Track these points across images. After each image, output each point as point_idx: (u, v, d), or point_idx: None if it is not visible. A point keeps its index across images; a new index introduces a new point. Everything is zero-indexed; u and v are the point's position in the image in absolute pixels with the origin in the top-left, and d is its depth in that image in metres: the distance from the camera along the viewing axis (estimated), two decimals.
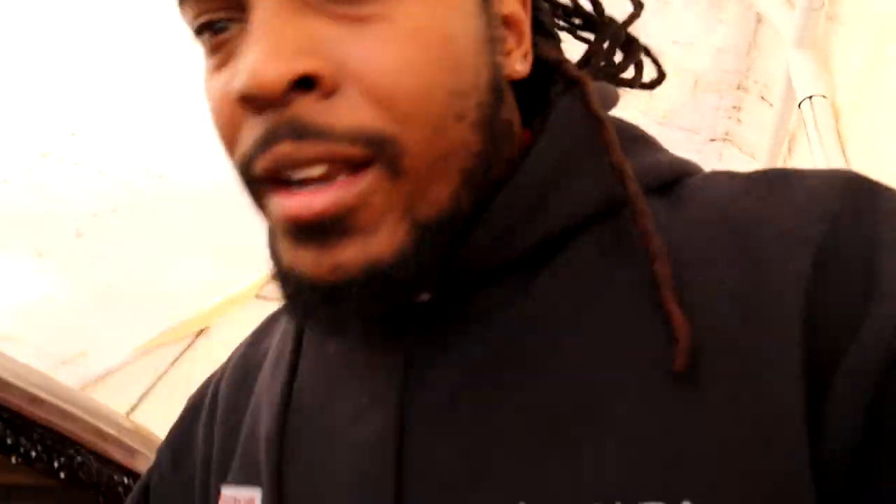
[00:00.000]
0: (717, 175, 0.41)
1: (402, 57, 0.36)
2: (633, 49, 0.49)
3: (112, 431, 1.13)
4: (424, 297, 0.40)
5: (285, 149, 0.35)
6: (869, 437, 0.32)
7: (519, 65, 0.42)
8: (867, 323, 0.32)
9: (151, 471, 0.56)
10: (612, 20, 0.48)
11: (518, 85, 0.43)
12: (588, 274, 0.38)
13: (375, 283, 0.36)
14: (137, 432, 1.19)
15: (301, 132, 0.35)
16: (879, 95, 0.97)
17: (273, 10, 0.35)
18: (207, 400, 0.54)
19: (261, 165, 0.36)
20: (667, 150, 0.44)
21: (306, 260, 0.36)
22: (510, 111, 0.42)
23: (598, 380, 0.35)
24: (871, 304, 0.32)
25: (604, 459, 0.34)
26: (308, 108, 0.35)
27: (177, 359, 2.37)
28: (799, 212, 0.36)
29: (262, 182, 0.37)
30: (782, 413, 0.32)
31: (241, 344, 0.56)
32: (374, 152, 0.35)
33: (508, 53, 0.42)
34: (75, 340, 2.19)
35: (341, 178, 0.35)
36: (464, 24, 0.38)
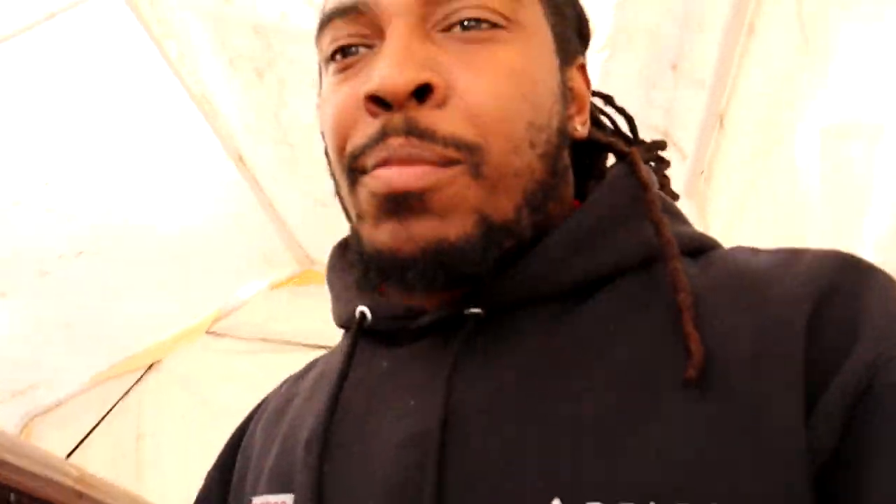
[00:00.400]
0: (740, 248, 0.48)
1: (496, 87, 0.44)
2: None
3: (53, 476, 1.12)
4: (475, 310, 0.46)
5: (398, 142, 0.43)
6: (841, 447, 0.37)
7: (579, 127, 0.51)
8: (849, 359, 0.38)
9: (201, 493, 0.61)
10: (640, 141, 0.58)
11: (574, 157, 0.53)
12: (622, 308, 0.44)
13: (440, 258, 0.42)
14: (81, 478, 1.20)
15: (412, 130, 0.42)
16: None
17: (404, 35, 0.43)
18: (250, 425, 0.60)
19: (373, 156, 0.44)
20: (694, 227, 0.52)
21: (386, 232, 0.43)
22: (567, 161, 0.50)
23: (628, 392, 0.40)
24: (852, 345, 0.38)
25: (636, 462, 0.37)
26: (420, 112, 0.43)
27: (127, 391, 2.42)
28: (801, 275, 0.42)
29: (358, 172, 0.45)
30: (790, 426, 0.37)
31: (286, 379, 0.62)
32: (463, 156, 0.43)
33: (570, 117, 0.51)
34: (28, 374, 2.24)
35: (431, 166, 0.43)
36: (547, 75, 0.47)
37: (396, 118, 0.42)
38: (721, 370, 0.39)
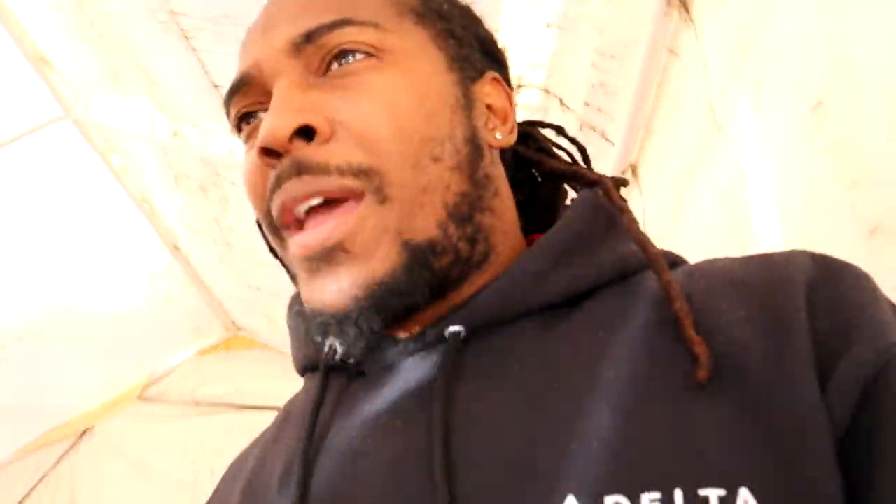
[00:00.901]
0: (711, 259, 0.48)
1: (379, 109, 0.44)
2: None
3: None
4: (457, 328, 0.45)
5: (291, 185, 0.43)
6: (854, 423, 0.36)
7: (499, 136, 0.51)
8: (855, 344, 0.37)
9: None
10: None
11: (532, 199, 0.56)
12: (610, 316, 0.43)
13: (377, 299, 0.42)
14: None
15: (302, 169, 0.43)
16: None
17: (284, 88, 0.45)
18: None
19: (275, 205, 0.45)
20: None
21: (321, 289, 0.43)
22: (494, 171, 0.50)
23: (635, 393, 0.38)
24: (852, 329, 0.38)
25: (655, 454, 0.36)
26: (308, 151, 0.43)
27: (59, 459, 2.51)
28: (786, 267, 0.42)
29: (280, 228, 0.46)
30: (810, 403, 0.36)
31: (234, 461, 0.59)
32: (363, 183, 0.43)
33: (492, 129, 0.51)
34: None
35: (340, 209, 0.43)
36: (438, 89, 0.47)
37: (286, 162, 0.44)
38: (729, 365, 0.38)
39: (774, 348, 0.38)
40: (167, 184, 1.70)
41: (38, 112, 1.53)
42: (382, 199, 0.43)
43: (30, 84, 1.47)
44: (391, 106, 0.45)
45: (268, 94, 0.46)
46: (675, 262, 0.49)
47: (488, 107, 0.52)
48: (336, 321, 0.43)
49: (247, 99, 0.48)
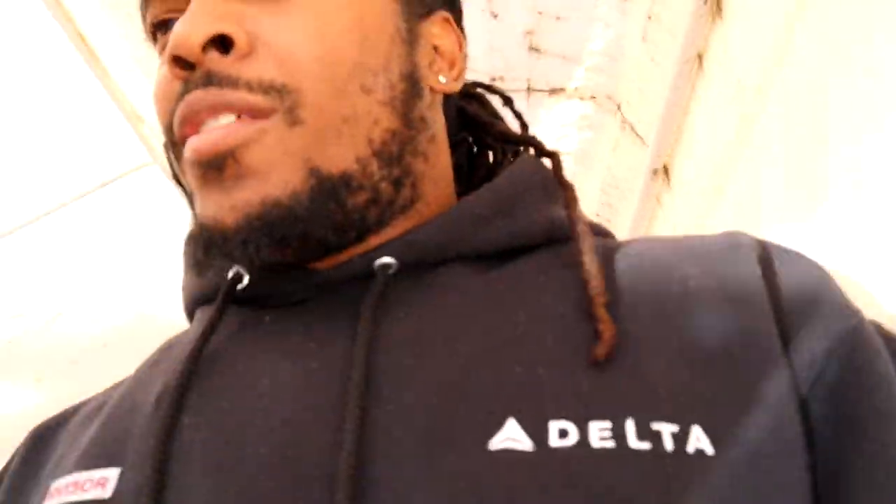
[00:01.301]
0: (642, 238, 0.46)
1: (307, 27, 0.40)
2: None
3: None
4: (388, 260, 0.41)
5: (196, 95, 0.39)
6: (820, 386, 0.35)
7: (444, 79, 0.47)
8: (820, 308, 0.37)
9: None
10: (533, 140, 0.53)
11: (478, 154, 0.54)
12: (531, 274, 0.41)
13: (272, 222, 0.38)
14: None
15: (210, 81, 0.39)
16: None
17: None
18: (57, 427, 0.49)
19: (177, 116, 0.40)
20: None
21: (210, 204, 0.39)
22: (433, 115, 0.47)
23: (578, 335, 0.37)
24: (815, 297, 0.37)
25: (605, 383, 0.34)
26: (222, 64, 0.39)
27: None
28: (732, 238, 0.41)
29: (179, 142, 0.40)
30: (770, 359, 0.35)
31: (86, 401, 0.51)
32: (274, 102, 0.39)
33: (436, 71, 0.47)
34: None
35: (242, 121, 0.39)
36: (377, 16, 0.43)
37: (197, 73, 0.39)
38: (682, 311, 0.38)
39: (732, 302, 0.37)
40: None
41: (127, 159, 1.66)
42: (293, 122, 0.39)
43: (124, 134, 1.61)
44: (320, 25, 0.41)
45: (187, 1, 0.41)
46: (604, 233, 0.48)
47: (435, 48, 0.48)
48: (221, 240, 0.39)
49: (164, 4, 0.43)
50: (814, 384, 0.35)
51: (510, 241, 0.44)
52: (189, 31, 0.39)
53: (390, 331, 0.38)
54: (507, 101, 0.57)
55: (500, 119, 0.55)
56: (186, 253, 0.47)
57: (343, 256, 0.43)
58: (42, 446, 0.47)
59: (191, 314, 0.49)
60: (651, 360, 0.35)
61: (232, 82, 0.39)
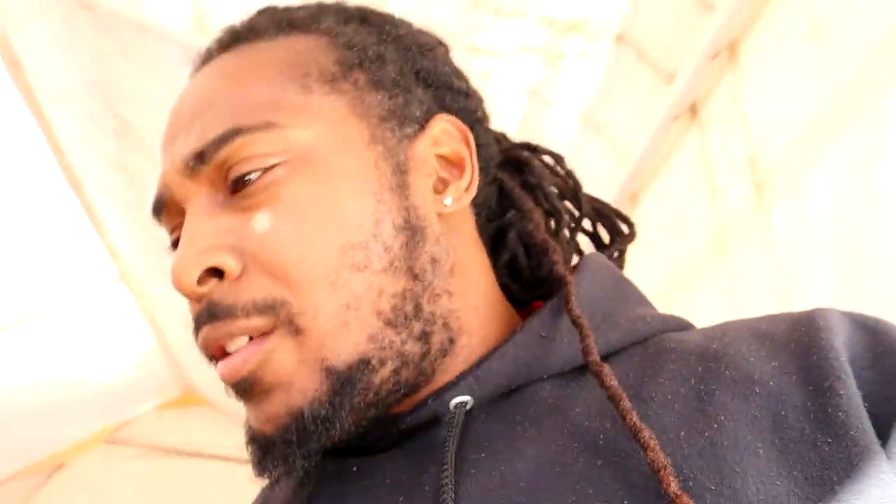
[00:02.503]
0: (728, 321, 0.45)
1: (284, 230, 0.40)
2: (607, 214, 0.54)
3: None
4: (463, 398, 0.42)
5: (206, 333, 0.41)
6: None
7: (450, 202, 0.45)
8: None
9: None
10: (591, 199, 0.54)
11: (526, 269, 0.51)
12: (600, 400, 0.40)
13: (303, 428, 0.40)
14: None
15: (214, 314, 0.41)
16: None
17: (193, 215, 0.42)
18: None
19: (200, 344, 0.43)
20: (652, 308, 0.48)
21: (252, 417, 0.42)
22: (449, 241, 0.45)
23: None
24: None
25: None
26: (220, 292, 0.41)
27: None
28: (817, 320, 0.40)
29: (209, 359, 0.43)
30: (859, 450, 0.34)
31: None
32: (272, 319, 0.40)
33: (440, 193, 0.45)
34: None
35: (255, 342, 0.40)
36: (353, 183, 0.42)
37: (202, 306, 0.41)
38: (766, 414, 0.37)
39: (816, 396, 0.36)
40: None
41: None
42: (295, 332, 0.40)
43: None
44: (297, 225, 0.41)
45: (184, 214, 0.43)
46: (682, 326, 0.47)
47: (440, 157, 0.46)
48: (272, 446, 0.41)
49: (169, 222, 0.46)
50: None
51: (578, 359, 0.43)
52: (182, 273, 0.40)
53: (472, 477, 0.40)
54: (558, 160, 0.54)
55: (543, 186, 0.53)
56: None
57: (418, 396, 0.44)
58: None
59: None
60: (732, 472, 0.35)
61: (232, 313, 0.40)
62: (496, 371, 0.43)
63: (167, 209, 0.45)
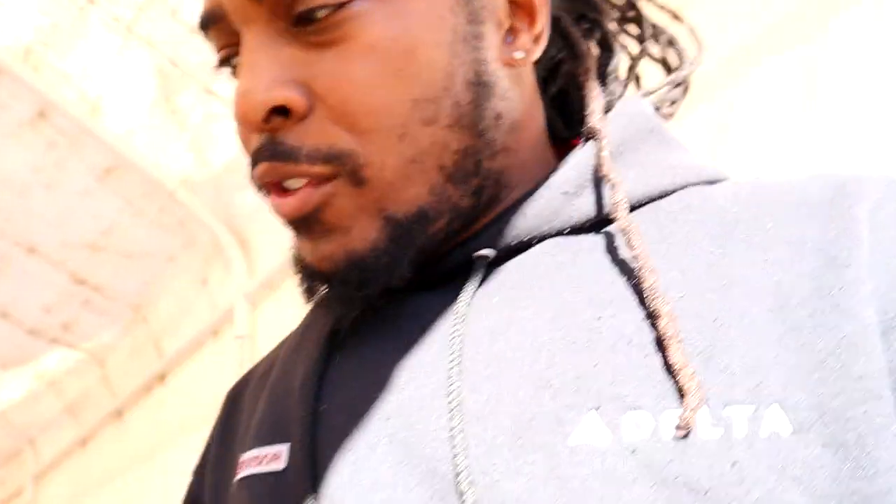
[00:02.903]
0: (766, 178, 0.44)
1: (359, 75, 0.38)
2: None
3: None
4: (486, 252, 0.43)
5: (264, 168, 0.40)
6: None
7: (520, 55, 0.43)
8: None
9: (200, 460, 0.59)
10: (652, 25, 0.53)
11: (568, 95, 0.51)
12: (619, 249, 0.41)
13: (355, 272, 0.40)
14: None
15: (275, 154, 0.39)
16: None
17: (255, 43, 0.39)
18: (230, 406, 0.57)
19: (255, 178, 0.41)
20: (688, 155, 0.47)
21: (305, 249, 0.42)
22: (514, 93, 0.44)
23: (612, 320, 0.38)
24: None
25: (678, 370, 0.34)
26: (285, 131, 0.39)
27: None
28: (851, 186, 0.39)
29: (261, 189, 0.42)
30: (858, 326, 0.33)
31: (268, 354, 0.59)
32: (335, 168, 0.39)
33: (511, 43, 0.43)
34: None
35: (308, 186, 0.39)
36: (430, 31, 0.40)
37: (262, 141, 0.40)
38: (770, 288, 0.36)
39: (824, 270, 0.36)
40: None
41: None
42: (357, 182, 0.39)
43: None
44: (372, 71, 0.39)
45: (238, 36, 0.41)
46: (714, 178, 0.46)
47: (512, 3, 0.44)
48: (322, 278, 0.42)
49: (219, 40, 0.43)
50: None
51: (598, 214, 0.43)
52: (249, 106, 0.39)
53: (486, 321, 0.41)
54: (643, 38, 0.53)
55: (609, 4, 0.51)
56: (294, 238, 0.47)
57: (447, 246, 0.44)
58: (234, 410, 0.56)
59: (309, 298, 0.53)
60: (724, 337, 0.35)
61: (295, 157, 0.39)
62: (516, 225, 0.43)
63: (218, 26, 0.42)
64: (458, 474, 0.36)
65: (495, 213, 0.45)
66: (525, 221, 0.43)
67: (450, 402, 0.38)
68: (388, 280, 0.41)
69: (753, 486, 0.32)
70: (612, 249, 0.42)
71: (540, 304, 0.40)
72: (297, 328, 0.53)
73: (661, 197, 0.44)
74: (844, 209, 0.38)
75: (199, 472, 0.58)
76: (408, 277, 0.42)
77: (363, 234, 0.40)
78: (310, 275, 0.43)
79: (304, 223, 0.40)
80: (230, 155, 1.88)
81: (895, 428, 0.32)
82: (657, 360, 0.36)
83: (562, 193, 0.43)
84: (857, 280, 0.35)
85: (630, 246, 0.39)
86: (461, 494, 0.36)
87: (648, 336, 0.37)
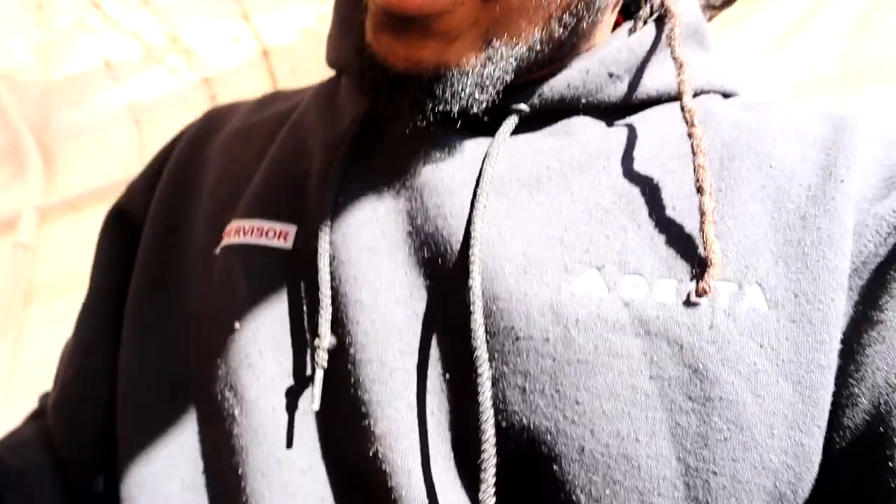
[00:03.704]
0: (780, 101, 0.47)
1: None
2: None
3: None
4: (523, 107, 0.44)
5: None
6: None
7: None
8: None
9: (122, 200, 0.56)
10: None
11: None
12: (648, 132, 0.44)
13: (436, 83, 0.39)
14: None
15: None
16: None
17: None
18: (181, 148, 0.54)
19: None
20: (717, 62, 0.49)
21: (389, 45, 0.40)
22: None
23: (649, 189, 0.40)
24: None
25: (684, 246, 0.38)
26: None
27: None
28: (852, 124, 0.43)
29: None
30: (840, 229, 0.37)
31: (230, 106, 0.57)
32: None
33: None
34: None
35: None
36: None
37: None
38: (773, 186, 0.40)
39: (821, 183, 0.39)
40: None
41: None
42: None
43: None
44: None
45: None
46: (733, 92, 0.48)
47: None
48: (384, 72, 0.40)
49: None
50: (862, 264, 0.38)
51: (633, 98, 0.45)
52: None
53: (512, 171, 0.42)
54: None
55: None
56: (344, 14, 0.49)
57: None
58: (196, 157, 0.53)
59: (332, 66, 0.52)
60: (724, 226, 0.39)
61: None
62: (555, 90, 0.44)
63: None
64: (470, 289, 0.37)
65: (549, 70, 0.45)
66: (563, 91, 0.44)
67: (472, 228, 0.39)
68: (460, 101, 0.40)
69: (725, 345, 0.36)
70: (646, 132, 0.44)
71: (564, 172, 0.42)
72: (305, 107, 0.51)
73: (696, 95, 0.46)
74: (845, 138, 0.41)
75: (136, 194, 0.54)
76: (480, 106, 0.41)
77: (463, 51, 0.40)
78: (380, 70, 0.41)
79: (409, 21, 0.39)
80: (77, 70, 1.85)
81: (848, 315, 0.37)
82: (664, 238, 0.39)
83: (608, 75, 0.45)
84: (847, 194, 0.38)
85: (691, 124, 0.41)
86: (469, 306, 0.37)
87: (665, 212, 0.39)
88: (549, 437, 0.36)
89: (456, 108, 0.41)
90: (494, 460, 0.35)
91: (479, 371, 0.36)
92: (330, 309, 0.40)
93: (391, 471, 0.36)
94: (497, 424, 0.37)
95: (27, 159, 1.88)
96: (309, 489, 0.38)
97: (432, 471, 0.37)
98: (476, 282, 0.37)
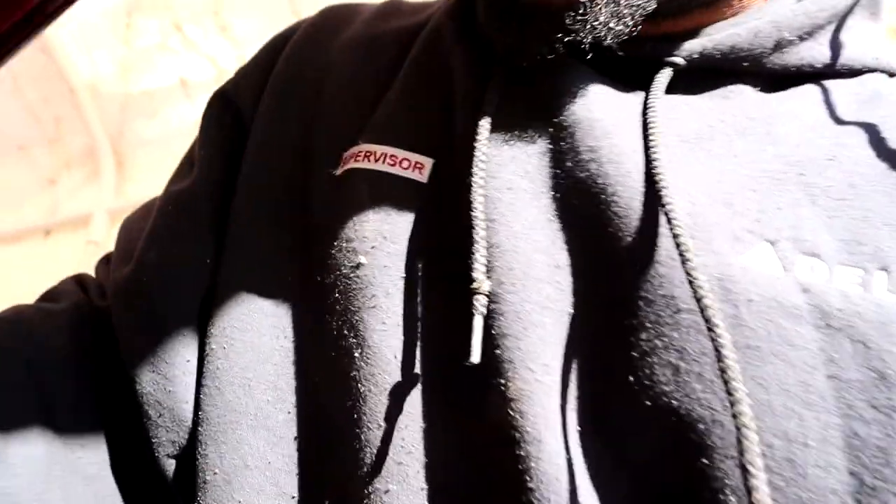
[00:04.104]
0: None
1: None
2: None
3: None
4: (679, 61, 0.40)
5: None
6: None
7: None
8: None
9: (227, 87, 0.51)
10: None
11: None
12: (816, 105, 0.41)
13: (571, 14, 0.36)
14: None
15: None
16: None
17: None
18: (327, 43, 0.50)
19: None
20: (884, 36, 0.45)
21: None
22: None
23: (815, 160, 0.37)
24: None
25: (862, 230, 0.35)
26: None
27: None
28: None
29: None
30: None
31: (340, 7, 0.54)
32: None
33: None
34: None
35: None
36: None
37: None
38: None
39: None
40: None
41: None
42: None
43: None
44: None
45: None
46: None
47: None
48: (535, 9, 0.38)
49: None
50: None
51: (803, 68, 0.42)
52: None
53: (677, 125, 0.39)
54: None
55: None
56: None
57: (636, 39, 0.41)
58: (310, 61, 0.49)
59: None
60: None
61: None
62: (719, 48, 0.41)
63: None
64: (685, 258, 0.33)
65: (706, 18, 0.42)
66: (728, 50, 0.41)
67: (657, 178, 0.35)
68: (594, 32, 0.38)
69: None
70: (819, 103, 0.41)
71: (727, 132, 0.39)
72: (437, 26, 0.48)
73: (852, 75, 0.43)
74: None
75: (244, 85, 0.50)
76: (616, 39, 0.39)
77: None
78: (519, 2, 0.38)
79: None
80: (154, 86, 2.01)
81: None
82: (843, 218, 0.35)
83: (787, 34, 0.41)
84: None
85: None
86: (646, 265, 0.34)
87: (843, 190, 0.36)
88: (701, 426, 0.32)
89: (589, 39, 0.38)
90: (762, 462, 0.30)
91: (724, 355, 0.31)
92: (485, 251, 0.36)
93: (521, 439, 0.33)
94: (639, 401, 0.33)
95: (102, 164, 2.04)
96: (428, 448, 0.35)
97: (569, 445, 0.34)
98: (688, 244, 0.33)
